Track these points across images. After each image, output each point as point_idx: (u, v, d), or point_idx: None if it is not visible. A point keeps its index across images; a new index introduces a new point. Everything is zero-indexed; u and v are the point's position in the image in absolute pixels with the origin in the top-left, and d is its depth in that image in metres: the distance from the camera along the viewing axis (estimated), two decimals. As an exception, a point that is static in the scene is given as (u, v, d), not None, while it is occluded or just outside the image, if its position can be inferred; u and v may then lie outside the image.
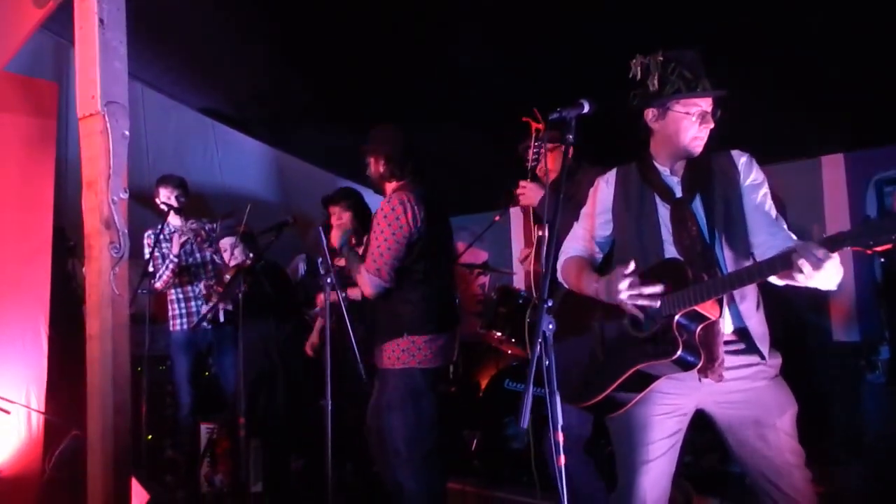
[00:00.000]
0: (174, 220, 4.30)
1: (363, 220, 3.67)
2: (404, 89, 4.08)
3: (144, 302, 3.97)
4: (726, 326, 1.97)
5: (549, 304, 1.76)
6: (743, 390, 1.97)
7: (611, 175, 2.26)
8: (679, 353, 1.87)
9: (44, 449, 3.71)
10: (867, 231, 1.60)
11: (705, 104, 2.04)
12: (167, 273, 4.22)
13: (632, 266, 1.95)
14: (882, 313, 3.86)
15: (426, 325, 2.82)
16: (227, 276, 4.00)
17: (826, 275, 1.68)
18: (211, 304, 4.02)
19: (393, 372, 2.84)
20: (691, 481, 3.24)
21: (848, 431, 3.75)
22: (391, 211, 2.77)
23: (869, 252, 1.63)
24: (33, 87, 3.83)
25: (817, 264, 1.65)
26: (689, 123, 2.04)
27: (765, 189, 2.04)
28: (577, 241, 2.30)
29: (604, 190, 2.25)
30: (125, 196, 2.03)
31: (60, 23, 3.62)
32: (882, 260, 1.58)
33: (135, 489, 2.35)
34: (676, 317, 1.89)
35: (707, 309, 1.89)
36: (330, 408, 2.73)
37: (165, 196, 4.27)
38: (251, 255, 3.90)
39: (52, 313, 3.82)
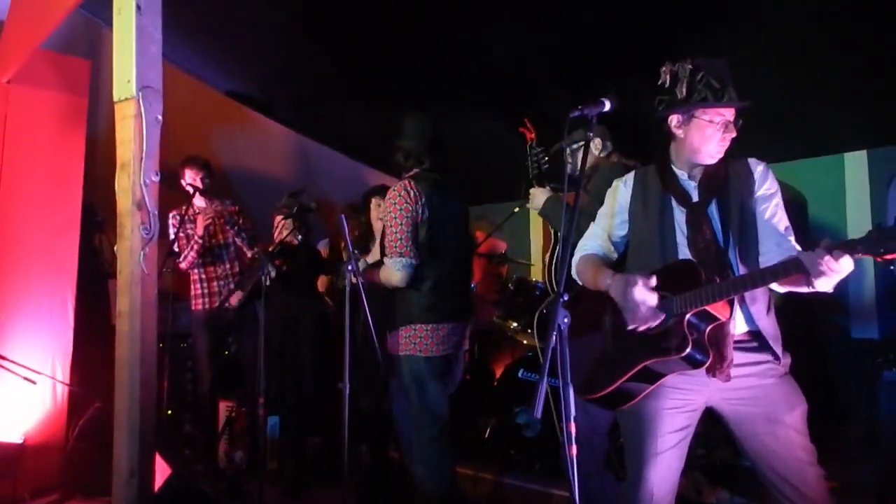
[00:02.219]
0: (198, 201, 4.38)
1: None
2: (428, 77, 4.09)
3: (168, 280, 4.04)
4: (738, 328, 2.00)
5: (565, 297, 1.79)
6: (751, 387, 2.00)
7: (629, 177, 2.30)
8: (688, 350, 1.90)
9: (67, 419, 3.81)
10: (878, 239, 1.62)
11: (729, 114, 2.07)
12: (192, 254, 4.29)
13: (653, 281, 1.98)
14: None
15: (428, 314, 2.88)
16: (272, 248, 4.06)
17: (836, 280, 1.72)
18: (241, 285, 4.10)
19: (399, 358, 2.92)
20: (703, 474, 3.28)
21: (865, 428, 3.76)
22: (397, 196, 2.87)
23: (879, 259, 1.63)
24: (66, 64, 3.90)
25: (828, 271, 1.69)
26: (713, 132, 2.06)
27: (777, 199, 2.07)
28: (594, 240, 2.33)
29: (621, 191, 2.29)
30: (157, 178, 2.10)
31: (93, 2, 3.68)
32: (893, 268, 1.56)
33: (157, 463, 2.42)
34: (687, 315, 1.92)
35: (718, 310, 1.92)
36: (348, 390, 2.79)
37: (190, 177, 4.33)
38: (299, 236, 3.98)
39: (78, 287, 3.91)
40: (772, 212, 2.05)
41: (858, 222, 4.23)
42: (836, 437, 3.74)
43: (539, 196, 2.99)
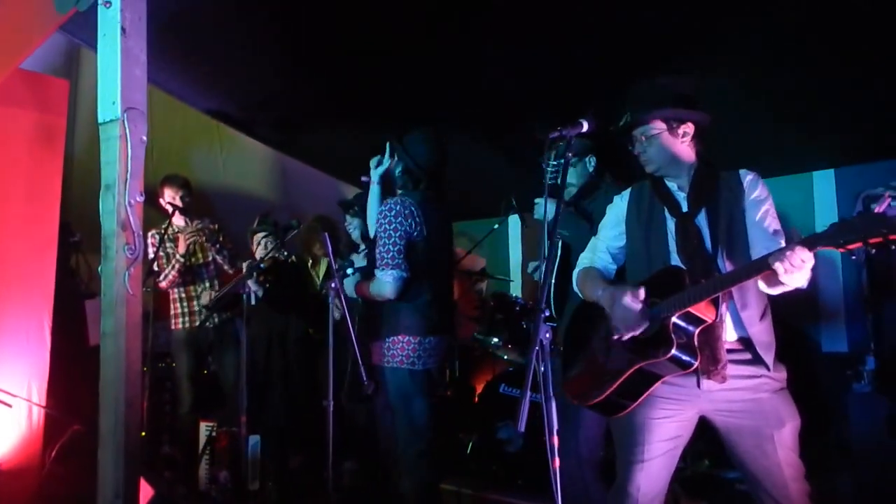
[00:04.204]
0: (177, 220, 4.37)
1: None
2: (408, 95, 4.14)
3: (147, 300, 4.01)
4: (729, 335, 2.06)
5: (546, 313, 1.84)
6: (744, 400, 2.05)
7: (626, 191, 2.39)
8: (673, 351, 1.96)
9: (44, 442, 3.75)
10: (839, 231, 1.69)
11: (636, 132, 2.23)
12: (173, 272, 4.27)
13: (641, 293, 2.05)
14: (868, 325, 3.96)
15: (417, 327, 2.91)
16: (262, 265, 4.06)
17: (801, 275, 1.77)
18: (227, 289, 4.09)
19: (384, 369, 2.93)
20: (682, 485, 3.33)
21: (836, 439, 3.85)
22: (389, 211, 2.90)
23: (841, 250, 1.71)
24: (45, 84, 3.86)
25: (791, 266, 1.74)
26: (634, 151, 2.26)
27: (766, 206, 2.13)
28: (593, 253, 2.41)
29: (618, 204, 2.38)
30: (141, 199, 2.10)
31: (73, 22, 3.66)
32: (854, 258, 1.63)
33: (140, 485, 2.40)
34: (672, 318, 1.99)
35: (702, 311, 1.98)
36: (332, 408, 2.80)
37: (170, 196, 4.33)
38: (284, 252, 3.99)
39: (55, 308, 3.86)
40: (761, 217, 2.11)
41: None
42: (809, 449, 3.83)
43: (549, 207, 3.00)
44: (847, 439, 3.69)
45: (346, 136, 4.81)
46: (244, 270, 3.88)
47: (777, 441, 2.02)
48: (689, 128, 2.20)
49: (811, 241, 1.74)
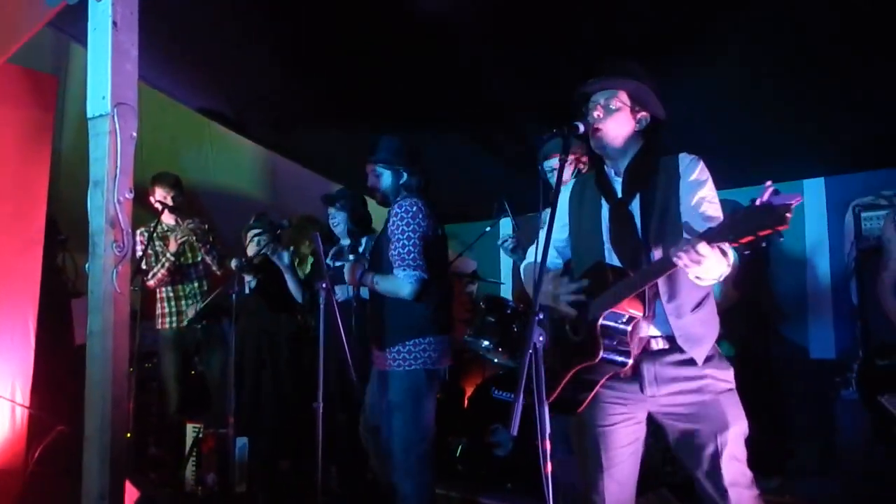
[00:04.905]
0: (167, 219, 4.33)
1: (358, 222, 3.74)
2: (401, 96, 4.13)
3: (134, 299, 3.97)
4: (652, 331, 2.01)
5: (541, 316, 1.81)
6: (688, 403, 1.99)
7: (571, 181, 2.33)
8: (601, 355, 1.93)
9: (28, 444, 3.70)
10: (730, 225, 1.64)
11: (599, 96, 2.13)
12: (162, 271, 4.24)
13: (557, 273, 2.05)
14: (857, 332, 3.99)
15: (435, 327, 2.91)
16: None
17: (705, 269, 1.73)
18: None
19: (399, 374, 2.88)
20: (672, 490, 3.32)
21: (824, 446, 3.87)
22: (406, 213, 2.87)
23: (735, 245, 1.65)
24: (33, 79, 3.81)
25: (690, 261, 1.71)
26: None
27: (703, 191, 2.01)
28: (537, 246, 2.32)
29: (563, 194, 2.28)
30: (130, 196, 2.08)
31: (61, 17, 3.63)
32: (747, 252, 1.54)
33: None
34: (600, 320, 1.95)
35: (626, 309, 1.94)
36: (321, 410, 2.77)
37: (161, 195, 4.29)
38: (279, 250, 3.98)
39: (40, 307, 3.81)
40: (697, 202, 1.99)
41: (817, 246, 4.39)
42: (797, 455, 3.85)
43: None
44: (835, 445, 3.72)
45: (339, 137, 4.79)
46: (233, 268, 3.86)
47: (721, 444, 1.94)
48: (646, 117, 2.12)
49: (707, 236, 1.68)
